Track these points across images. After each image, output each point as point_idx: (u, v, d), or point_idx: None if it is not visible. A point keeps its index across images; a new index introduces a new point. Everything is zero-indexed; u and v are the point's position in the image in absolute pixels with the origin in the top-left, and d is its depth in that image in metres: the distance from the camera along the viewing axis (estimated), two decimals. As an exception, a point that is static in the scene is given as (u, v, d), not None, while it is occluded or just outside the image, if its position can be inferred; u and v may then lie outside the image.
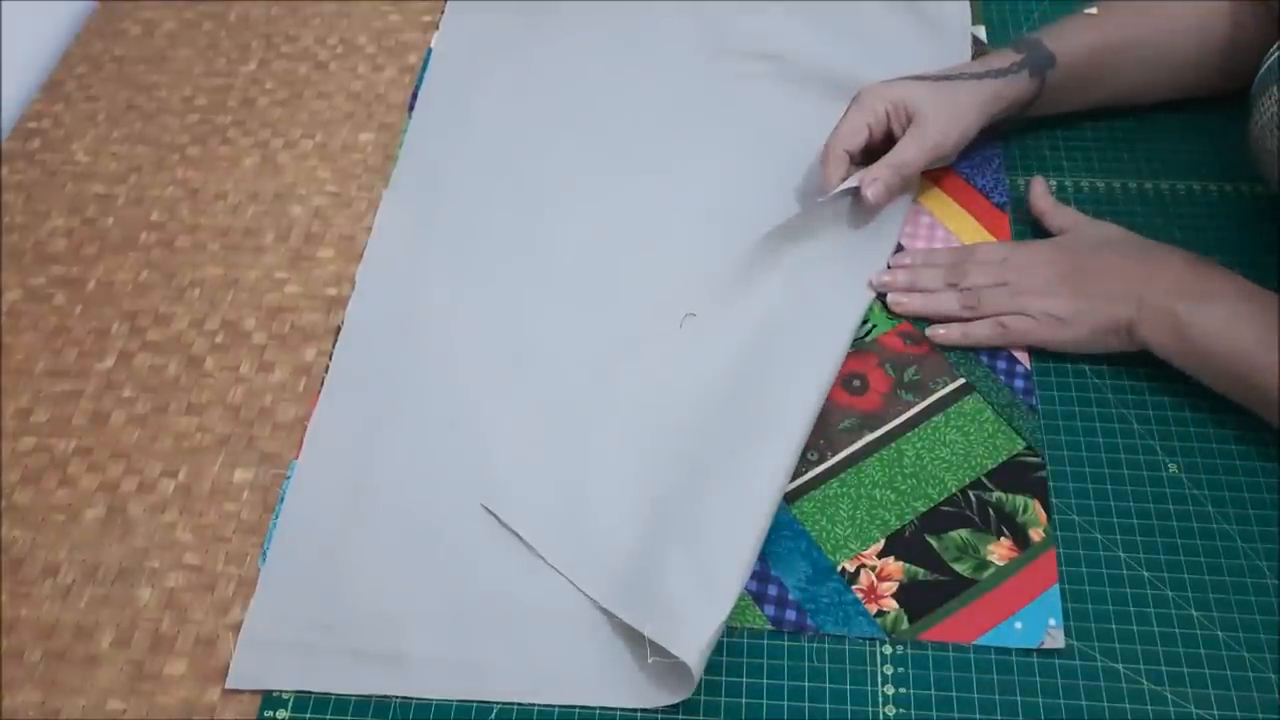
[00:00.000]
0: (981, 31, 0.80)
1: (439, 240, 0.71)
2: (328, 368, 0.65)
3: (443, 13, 0.85)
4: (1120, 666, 0.53)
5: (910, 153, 0.66)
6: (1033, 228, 0.68)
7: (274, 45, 0.84)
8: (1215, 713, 0.51)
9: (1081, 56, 0.68)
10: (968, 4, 0.82)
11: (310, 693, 0.54)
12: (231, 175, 0.76)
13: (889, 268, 0.67)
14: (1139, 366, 0.61)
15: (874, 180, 0.65)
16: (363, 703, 0.53)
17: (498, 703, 0.53)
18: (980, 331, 0.63)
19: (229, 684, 0.54)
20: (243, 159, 0.77)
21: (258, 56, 0.84)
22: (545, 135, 0.76)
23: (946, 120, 0.66)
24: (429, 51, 0.83)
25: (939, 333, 0.64)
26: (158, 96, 0.82)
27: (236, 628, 0.56)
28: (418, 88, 0.80)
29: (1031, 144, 0.73)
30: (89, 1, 0.89)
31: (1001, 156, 0.72)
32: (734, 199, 0.72)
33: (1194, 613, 0.54)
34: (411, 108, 0.79)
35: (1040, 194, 0.68)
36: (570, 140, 0.76)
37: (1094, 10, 0.69)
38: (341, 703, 0.54)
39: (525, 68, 0.81)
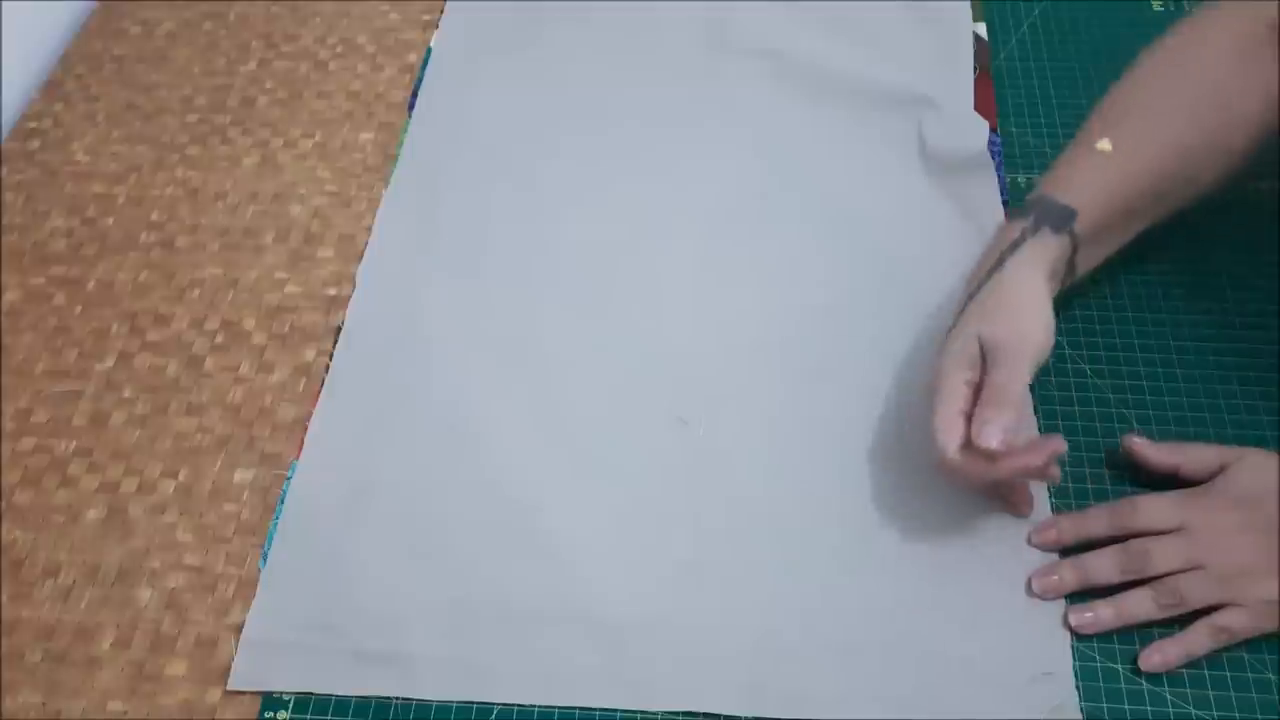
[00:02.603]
0: (982, 29, 0.80)
1: (439, 240, 0.71)
2: (328, 368, 0.65)
3: (443, 12, 0.85)
4: (1120, 667, 0.53)
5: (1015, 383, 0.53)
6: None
7: (274, 45, 0.84)
8: (1215, 713, 0.51)
9: (1106, 203, 0.57)
10: (968, 3, 0.82)
11: (311, 694, 0.54)
12: (231, 175, 0.76)
13: (1029, 541, 0.56)
14: (1139, 366, 0.61)
15: (986, 422, 0.51)
16: (363, 704, 0.53)
17: (499, 704, 0.53)
18: (1200, 641, 0.52)
19: (230, 685, 0.54)
20: (242, 159, 0.77)
21: (258, 56, 0.84)
22: (545, 134, 0.76)
23: (1026, 329, 0.54)
24: (429, 51, 0.83)
25: (1152, 660, 0.52)
26: (158, 96, 0.82)
27: (237, 628, 0.56)
28: (418, 87, 0.80)
29: (1032, 143, 0.73)
30: (89, 1, 0.89)
31: (1001, 155, 0.72)
32: (735, 197, 0.72)
33: (1194, 613, 0.54)
34: (411, 107, 0.79)
35: (1144, 446, 0.56)
36: (571, 139, 0.76)
37: (1106, 144, 0.58)
38: (342, 704, 0.54)
39: (525, 67, 0.81)
